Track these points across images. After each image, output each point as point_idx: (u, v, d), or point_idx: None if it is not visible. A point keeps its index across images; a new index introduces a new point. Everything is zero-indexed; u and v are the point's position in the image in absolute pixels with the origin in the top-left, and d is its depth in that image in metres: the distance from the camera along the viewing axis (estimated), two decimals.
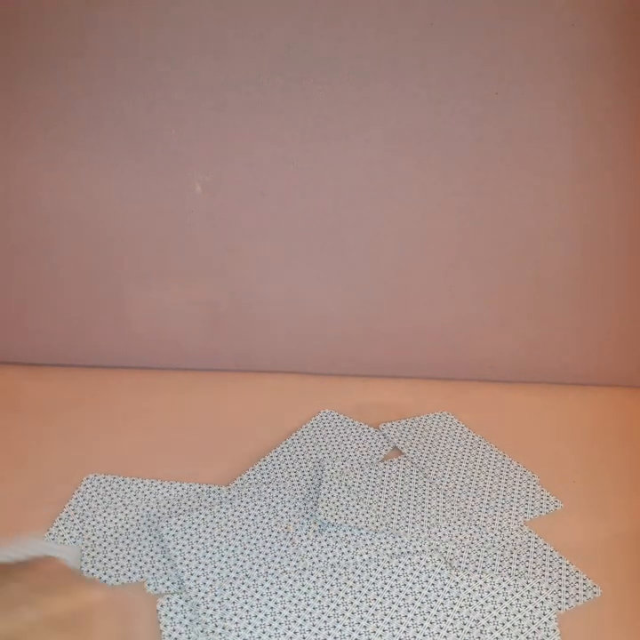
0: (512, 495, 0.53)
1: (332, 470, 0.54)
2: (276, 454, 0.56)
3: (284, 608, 0.43)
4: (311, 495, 0.52)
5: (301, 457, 0.56)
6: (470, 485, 0.54)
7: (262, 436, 0.58)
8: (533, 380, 0.68)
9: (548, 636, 0.41)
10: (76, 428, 0.57)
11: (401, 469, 0.55)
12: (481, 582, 0.44)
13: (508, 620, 0.42)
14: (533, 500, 0.53)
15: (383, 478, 0.54)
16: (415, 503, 0.52)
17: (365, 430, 0.60)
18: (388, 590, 0.44)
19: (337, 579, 0.45)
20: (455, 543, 0.48)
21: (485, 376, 0.68)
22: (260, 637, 0.41)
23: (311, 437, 0.58)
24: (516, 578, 0.45)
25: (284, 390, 0.66)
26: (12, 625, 0.31)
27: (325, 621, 0.42)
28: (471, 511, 0.51)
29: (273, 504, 0.51)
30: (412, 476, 0.54)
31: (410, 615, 0.42)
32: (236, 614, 0.42)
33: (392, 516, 0.50)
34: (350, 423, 0.61)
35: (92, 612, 0.33)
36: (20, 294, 0.63)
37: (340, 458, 0.56)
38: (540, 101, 0.54)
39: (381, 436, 0.59)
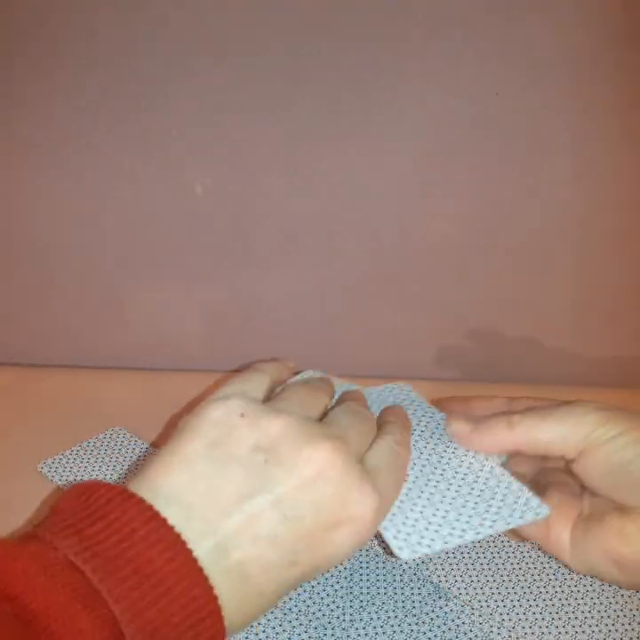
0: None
1: None
2: None
3: None
4: None
5: None
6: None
7: None
8: (533, 380, 0.68)
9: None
10: (76, 429, 0.57)
11: None
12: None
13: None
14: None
15: None
16: None
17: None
18: None
19: None
20: None
21: (485, 376, 0.68)
22: None
23: None
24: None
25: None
26: None
27: None
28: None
29: None
30: None
31: None
32: None
33: None
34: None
35: None
36: (20, 295, 0.63)
37: None
38: (540, 101, 0.54)
39: None
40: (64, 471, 0.52)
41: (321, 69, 0.53)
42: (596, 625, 0.43)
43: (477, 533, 0.34)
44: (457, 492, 0.37)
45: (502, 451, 0.37)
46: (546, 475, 0.39)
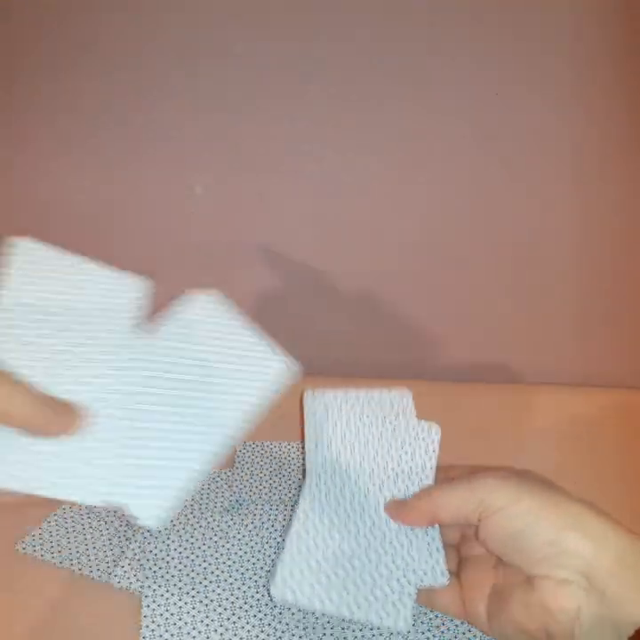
0: None
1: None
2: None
3: None
4: None
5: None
6: None
7: (263, 437, 0.58)
8: (533, 381, 0.68)
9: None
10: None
11: None
12: None
13: None
14: None
15: None
16: None
17: None
18: None
19: None
20: None
21: (485, 377, 0.68)
22: None
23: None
24: None
25: (286, 391, 0.66)
26: None
27: None
28: None
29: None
30: None
31: None
32: None
33: None
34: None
35: None
36: None
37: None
38: (540, 102, 0.54)
39: None
40: None
41: (321, 70, 0.53)
42: None
43: (352, 613, 0.37)
44: (371, 564, 0.39)
45: (427, 522, 0.39)
46: (467, 547, 0.40)
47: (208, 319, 0.40)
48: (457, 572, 0.39)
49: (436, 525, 0.40)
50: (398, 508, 0.41)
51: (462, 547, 0.41)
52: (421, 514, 0.39)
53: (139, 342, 0.37)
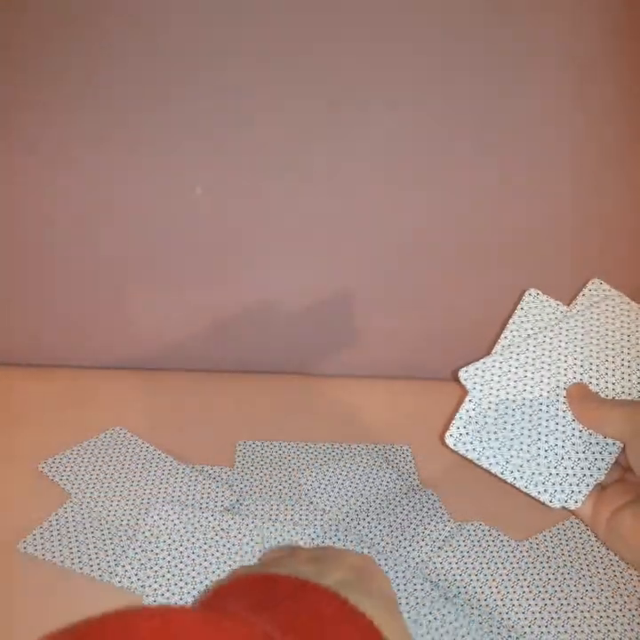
0: None
1: None
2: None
3: None
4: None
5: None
6: None
7: (263, 437, 0.58)
8: None
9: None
10: (76, 429, 0.57)
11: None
12: None
13: None
14: None
15: None
16: None
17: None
18: None
19: None
20: None
21: None
22: None
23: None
24: None
25: (285, 391, 0.66)
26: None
27: None
28: None
29: None
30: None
31: None
32: None
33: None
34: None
35: None
36: (20, 295, 0.63)
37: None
38: (539, 102, 0.54)
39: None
40: (65, 471, 0.53)
41: (320, 70, 0.53)
42: (595, 625, 0.43)
43: (518, 483, 0.40)
44: (550, 441, 0.41)
45: (595, 430, 0.42)
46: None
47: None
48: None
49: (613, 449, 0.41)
50: (582, 403, 0.42)
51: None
52: (587, 416, 0.41)
53: None
